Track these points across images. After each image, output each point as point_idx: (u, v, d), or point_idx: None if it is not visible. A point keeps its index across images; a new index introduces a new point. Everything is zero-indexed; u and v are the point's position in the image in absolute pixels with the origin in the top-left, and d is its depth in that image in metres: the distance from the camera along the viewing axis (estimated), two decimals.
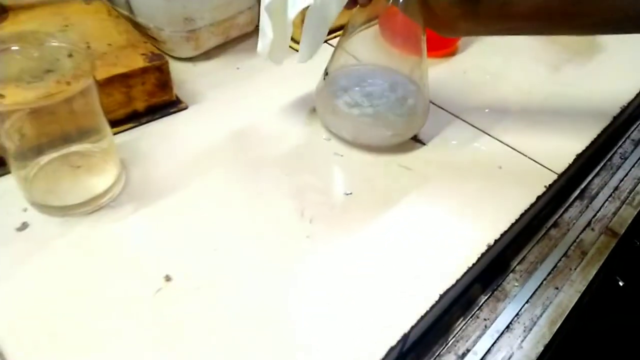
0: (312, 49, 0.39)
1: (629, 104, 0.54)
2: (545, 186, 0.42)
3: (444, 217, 0.38)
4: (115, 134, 0.41)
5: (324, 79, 0.43)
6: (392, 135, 0.42)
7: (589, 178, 0.51)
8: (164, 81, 0.43)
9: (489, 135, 0.47)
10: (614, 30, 0.41)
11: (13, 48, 0.34)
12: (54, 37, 0.42)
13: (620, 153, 0.55)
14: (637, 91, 0.56)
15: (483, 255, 0.36)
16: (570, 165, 0.45)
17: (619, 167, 0.53)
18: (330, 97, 0.42)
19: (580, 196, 0.49)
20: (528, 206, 0.40)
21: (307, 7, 0.36)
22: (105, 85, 0.39)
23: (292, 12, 0.37)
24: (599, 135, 0.49)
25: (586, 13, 0.36)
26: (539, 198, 0.41)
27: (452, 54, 0.58)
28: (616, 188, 0.50)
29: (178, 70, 0.49)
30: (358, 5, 0.37)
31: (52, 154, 0.37)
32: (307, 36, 0.38)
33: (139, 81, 0.41)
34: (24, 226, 0.34)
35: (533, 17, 0.36)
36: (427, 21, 0.39)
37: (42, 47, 0.35)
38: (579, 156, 0.46)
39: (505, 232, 0.38)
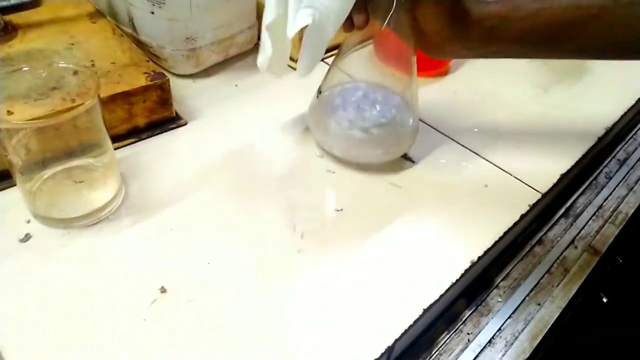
0: (311, 65, 0.40)
1: (614, 125, 0.56)
2: (529, 205, 0.43)
3: (430, 234, 0.40)
4: (116, 149, 0.43)
5: (317, 97, 0.44)
6: (381, 154, 0.44)
7: (575, 196, 0.52)
8: (165, 99, 0.45)
9: (476, 154, 0.48)
10: (597, 56, 0.43)
11: (24, 68, 0.35)
12: (60, 56, 0.45)
13: (606, 172, 0.56)
14: (622, 112, 0.58)
15: (466, 271, 0.37)
16: (554, 185, 0.46)
17: (603, 186, 0.54)
18: (323, 115, 0.44)
19: (565, 214, 0.50)
20: (512, 224, 0.41)
21: (306, 26, 0.38)
22: (108, 102, 0.41)
23: (291, 31, 0.38)
24: (584, 156, 0.51)
25: (571, 38, 0.38)
26: (522, 217, 0.43)
27: (444, 74, 0.60)
28: (600, 207, 0.52)
29: (178, 87, 0.51)
30: (355, 28, 0.39)
31: (55, 167, 0.39)
32: (306, 53, 0.39)
33: (140, 99, 0.43)
34: (27, 237, 0.36)
35: (520, 40, 0.38)
36: (417, 42, 0.40)
37: (50, 67, 0.37)
38: (563, 176, 0.47)
39: (489, 249, 0.39)
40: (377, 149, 0.44)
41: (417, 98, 0.45)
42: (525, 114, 0.55)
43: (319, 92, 0.45)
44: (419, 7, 0.36)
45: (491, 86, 0.59)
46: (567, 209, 0.51)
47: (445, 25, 0.36)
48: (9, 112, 0.37)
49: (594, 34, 0.37)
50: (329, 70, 0.44)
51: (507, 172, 0.47)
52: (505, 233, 0.41)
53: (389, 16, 0.36)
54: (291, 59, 0.58)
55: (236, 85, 0.53)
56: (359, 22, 0.35)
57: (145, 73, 0.43)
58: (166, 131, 0.46)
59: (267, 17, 0.38)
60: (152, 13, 0.48)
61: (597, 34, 0.37)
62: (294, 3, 0.36)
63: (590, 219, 0.50)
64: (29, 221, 0.37)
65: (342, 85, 0.45)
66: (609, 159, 0.58)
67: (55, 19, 0.49)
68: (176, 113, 0.47)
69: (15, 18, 0.48)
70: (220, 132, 0.47)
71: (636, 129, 0.64)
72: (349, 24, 0.36)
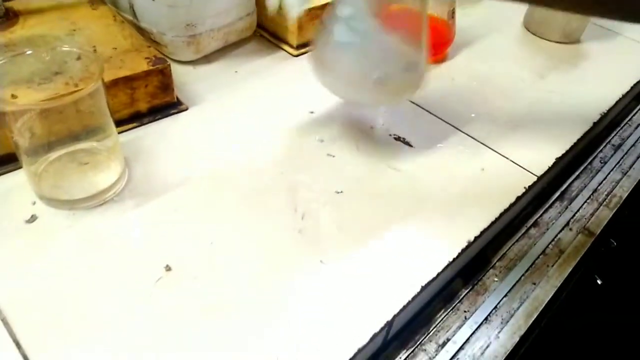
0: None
1: (609, 110, 0.57)
2: (524, 187, 0.44)
3: (428, 215, 0.41)
4: (119, 133, 0.43)
5: (324, 33, 0.41)
6: (390, 96, 0.42)
7: (570, 180, 0.53)
8: (166, 84, 0.45)
9: (474, 139, 0.49)
10: (606, 12, 0.41)
11: (27, 52, 0.36)
12: (62, 42, 0.45)
13: (601, 157, 0.57)
14: (617, 98, 0.59)
15: (463, 250, 0.38)
16: (550, 168, 0.47)
17: (598, 171, 0.55)
18: (328, 54, 0.41)
19: (560, 197, 0.51)
20: (508, 206, 0.42)
21: None
22: (110, 87, 0.41)
23: None
24: (579, 140, 0.52)
25: None
26: (518, 198, 0.43)
27: (442, 60, 0.60)
28: (595, 190, 0.53)
29: (179, 73, 0.52)
30: None
31: (60, 150, 0.39)
32: None
33: (142, 83, 0.43)
34: (32, 218, 0.36)
35: None
36: None
37: (53, 51, 0.37)
38: (558, 160, 0.48)
39: (485, 229, 0.40)
40: (385, 91, 0.42)
41: (427, 49, 0.43)
42: (521, 99, 0.56)
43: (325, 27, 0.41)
44: None
45: (488, 73, 0.59)
46: (562, 192, 0.52)
47: None
48: (13, 96, 0.38)
49: None
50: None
51: (504, 156, 0.47)
52: (502, 214, 0.42)
53: None
54: (289, 44, 0.59)
55: (236, 72, 0.54)
56: None
57: (146, 58, 0.44)
58: (168, 116, 0.47)
59: None
60: (153, 0, 0.48)
61: None
62: None
63: (585, 202, 0.51)
64: (34, 203, 0.37)
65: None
66: (604, 144, 0.59)
67: (56, 6, 0.49)
68: (177, 98, 0.48)
69: (16, 4, 0.48)
70: (221, 117, 0.48)
71: (631, 114, 0.65)
72: None
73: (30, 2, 0.49)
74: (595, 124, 0.54)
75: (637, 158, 0.58)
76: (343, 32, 0.40)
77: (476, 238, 0.39)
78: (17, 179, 0.38)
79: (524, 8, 0.73)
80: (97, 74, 0.35)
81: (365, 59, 0.40)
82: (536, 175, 0.46)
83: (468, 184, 0.44)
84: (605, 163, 0.56)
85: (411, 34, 0.41)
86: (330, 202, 0.41)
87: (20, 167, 0.39)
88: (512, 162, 0.47)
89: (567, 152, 0.50)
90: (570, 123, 0.54)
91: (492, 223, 0.41)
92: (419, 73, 0.44)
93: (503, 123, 0.52)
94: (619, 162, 0.57)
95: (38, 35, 0.45)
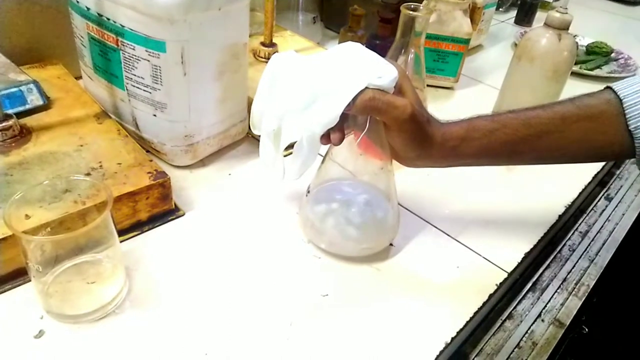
0: (301, 171, 0.44)
1: (573, 202, 0.62)
2: (496, 284, 0.48)
3: (408, 316, 0.44)
4: (120, 242, 0.47)
5: (306, 195, 0.49)
6: (364, 248, 0.48)
7: (541, 270, 0.57)
8: (166, 194, 0.49)
9: (448, 235, 0.53)
10: (552, 163, 0.49)
11: (45, 182, 0.40)
12: (72, 158, 0.49)
13: (569, 245, 0.62)
14: (581, 189, 0.64)
15: (441, 352, 0.41)
16: (519, 264, 0.51)
17: (567, 259, 0.59)
18: (310, 213, 0.49)
19: (532, 288, 0.55)
20: (481, 304, 0.46)
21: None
22: (115, 202, 0.45)
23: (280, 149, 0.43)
24: (546, 234, 0.56)
25: (525, 152, 0.44)
26: (491, 296, 0.47)
27: None
28: (564, 280, 0.56)
29: (177, 178, 0.56)
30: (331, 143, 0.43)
31: (67, 263, 0.42)
32: (297, 158, 0.43)
33: (144, 196, 0.47)
34: (40, 334, 0.39)
35: (480, 155, 0.44)
36: (392, 155, 0.45)
37: (67, 180, 0.42)
38: (527, 254, 0.53)
39: (462, 329, 0.44)
40: (361, 244, 0.48)
41: (394, 183, 0.49)
42: (491, 194, 0.61)
43: (308, 191, 0.49)
44: (388, 132, 0.41)
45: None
46: (534, 283, 0.55)
47: (411, 148, 0.42)
48: (27, 217, 0.42)
49: (547, 147, 0.43)
50: (319, 166, 0.49)
51: (476, 253, 0.52)
52: (476, 312, 0.45)
53: (361, 135, 0.41)
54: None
55: (229, 174, 0.59)
56: (335, 140, 0.40)
57: (148, 173, 0.48)
58: (166, 223, 0.50)
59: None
60: (155, 115, 0.53)
61: (550, 147, 0.43)
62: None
63: (556, 291, 0.55)
64: (42, 317, 0.40)
65: (327, 184, 0.50)
66: (572, 231, 0.64)
67: (65, 121, 0.54)
68: (175, 205, 0.52)
69: (30, 121, 0.53)
70: (215, 222, 0.52)
71: (596, 200, 0.70)
72: (326, 139, 0.41)
73: (41, 118, 0.54)
74: (560, 216, 0.59)
75: (603, 245, 0.62)
76: None
77: (453, 339, 0.42)
78: (25, 293, 0.41)
79: (494, 99, 0.80)
80: (106, 202, 0.39)
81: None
82: (506, 272, 0.50)
83: (443, 284, 0.48)
84: (574, 251, 0.61)
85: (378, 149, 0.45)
86: (316, 306, 0.44)
87: (27, 281, 0.42)
88: (484, 258, 0.51)
89: (535, 246, 0.54)
90: (538, 217, 0.58)
91: (468, 322, 0.44)
92: (394, 219, 0.50)
93: (476, 218, 0.56)
94: (586, 249, 0.61)
95: (49, 152, 0.50)
